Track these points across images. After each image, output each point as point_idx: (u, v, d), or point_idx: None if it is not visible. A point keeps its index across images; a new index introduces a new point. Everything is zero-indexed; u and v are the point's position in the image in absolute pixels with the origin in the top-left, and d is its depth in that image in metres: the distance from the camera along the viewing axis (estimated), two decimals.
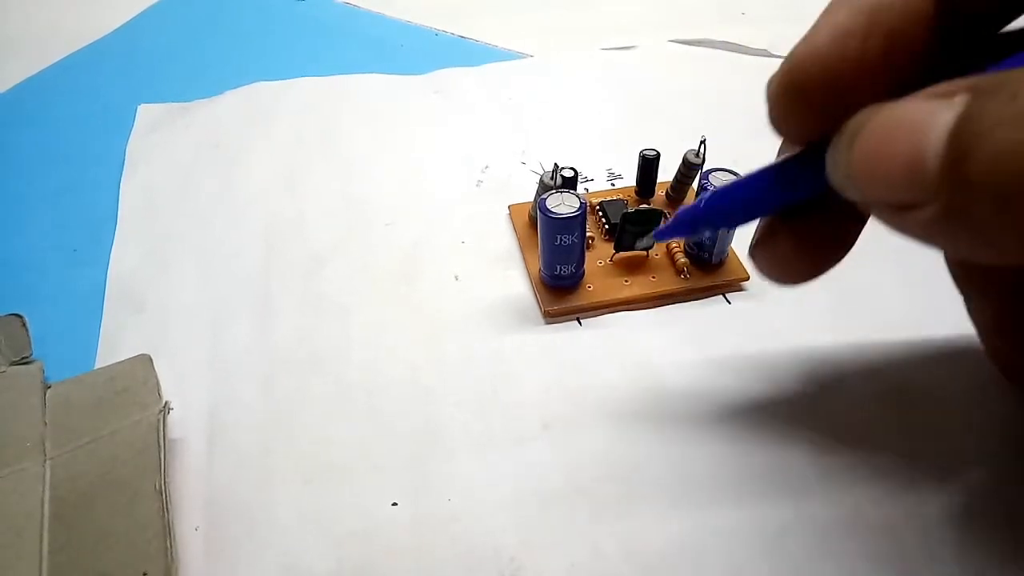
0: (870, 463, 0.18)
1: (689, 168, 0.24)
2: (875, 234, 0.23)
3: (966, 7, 0.13)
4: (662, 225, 0.18)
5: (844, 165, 0.12)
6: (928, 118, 0.11)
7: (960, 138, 0.10)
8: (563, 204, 0.20)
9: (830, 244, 0.16)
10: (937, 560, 0.16)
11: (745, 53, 0.35)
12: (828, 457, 0.18)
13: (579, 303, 0.22)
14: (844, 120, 0.12)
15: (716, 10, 0.39)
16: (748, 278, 0.22)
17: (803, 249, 0.16)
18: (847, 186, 0.12)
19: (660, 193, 0.25)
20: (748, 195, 0.15)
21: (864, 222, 0.16)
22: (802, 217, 0.16)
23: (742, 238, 0.21)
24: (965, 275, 0.17)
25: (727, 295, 0.22)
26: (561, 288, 0.22)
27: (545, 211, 0.19)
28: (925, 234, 0.11)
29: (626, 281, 0.22)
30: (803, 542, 0.16)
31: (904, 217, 0.11)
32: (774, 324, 0.21)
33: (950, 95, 0.11)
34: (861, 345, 0.20)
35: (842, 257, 0.16)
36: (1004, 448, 0.18)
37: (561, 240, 0.20)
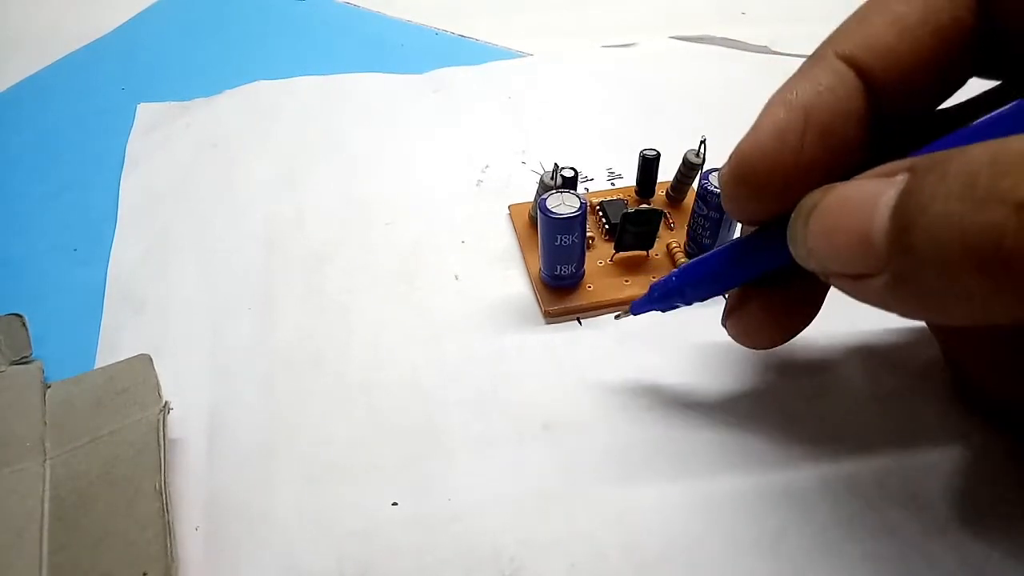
0: (869, 464, 0.18)
1: (689, 168, 0.24)
2: None
3: (894, 105, 0.14)
4: (638, 298, 0.19)
5: (802, 241, 0.14)
6: (874, 197, 0.12)
7: (902, 213, 0.11)
8: (563, 204, 0.20)
9: (797, 309, 0.17)
10: (936, 560, 0.16)
11: (746, 50, 0.35)
12: (828, 458, 0.18)
13: (579, 303, 0.22)
14: (789, 203, 0.14)
15: (716, 10, 0.39)
16: None
17: (772, 315, 0.17)
18: (806, 259, 0.14)
19: (660, 193, 0.25)
20: (714, 269, 0.17)
21: (826, 290, 0.17)
22: (769, 286, 0.17)
23: None
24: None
25: (726, 295, 0.22)
26: (561, 288, 0.22)
27: (545, 211, 0.19)
28: (880, 301, 0.13)
29: (626, 281, 0.22)
30: (803, 543, 0.16)
31: (859, 286, 0.13)
32: None
33: (892, 174, 0.12)
34: (861, 347, 0.20)
35: (809, 322, 0.17)
36: (999, 461, 0.18)
37: (561, 240, 0.20)
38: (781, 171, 0.14)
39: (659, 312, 0.19)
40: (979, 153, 0.11)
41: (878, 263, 0.12)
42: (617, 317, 0.20)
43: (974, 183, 0.10)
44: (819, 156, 0.14)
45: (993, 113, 0.13)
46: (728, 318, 0.18)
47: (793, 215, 0.14)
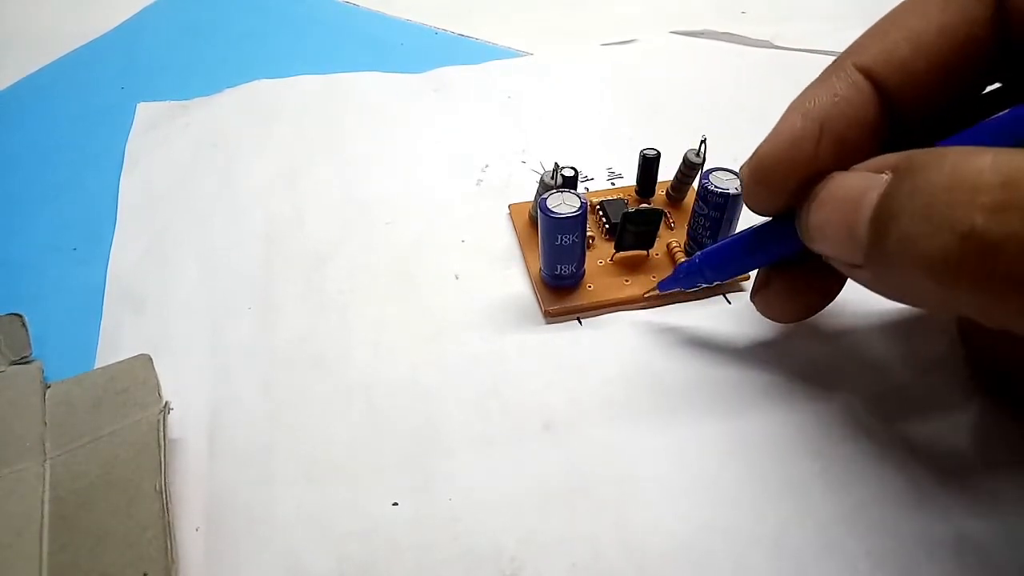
0: (870, 461, 0.18)
1: (690, 168, 0.24)
2: None
3: (909, 115, 0.15)
4: (665, 277, 0.21)
5: (804, 229, 0.15)
6: (861, 194, 0.13)
7: (879, 217, 0.13)
8: (563, 204, 0.20)
9: (817, 288, 0.19)
10: (936, 559, 0.16)
11: (747, 44, 0.35)
12: (828, 456, 0.18)
13: (579, 303, 0.22)
14: (803, 199, 0.15)
15: (716, 10, 0.39)
16: (748, 278, 0.22)
17: (794, 294, 0.19)
18: (808, 242, 0.15)
19: (660, 193, 0.25)
20: (732, 254, 0.19)
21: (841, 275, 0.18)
22: (789, 268, 0.18)
23: None
24: None
25: (727, 295, 0.22)
26: (561, 288, 0.22)
27: (546, 211, 0.19)
28: (871, 288, 0.14)
29: (626, 281, 0.22)
30: (804, 541, 0.16)
31: (853, 272, 0.14)
32: (773, 324, 0.21)
33: (880, 170, 0.13)
34: (861, 345, 0.20)
35: (831, 299, 0.19)
36: (1003, 449, 0.18)
37: (562, 240, 0.20)
38: (795, 175, 0.16)
39: (682, 289, 0.21)
40: (942, 176, 0.12)
41: (861, 257, 0.14)
42: (646, 296, 0.22)
43: (932, 205, 0.12)
44: (832, 162, 0.15)
45: (991, 118, 0.13)
46: (755, 296, 0.20)
47: (804, 206, 0.15)
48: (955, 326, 0.20)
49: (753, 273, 0.22)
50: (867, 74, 0.15)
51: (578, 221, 0.20)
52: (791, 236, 0.16)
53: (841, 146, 0.15)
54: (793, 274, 0.18)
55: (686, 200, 0.25)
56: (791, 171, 0.16)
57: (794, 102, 0.16)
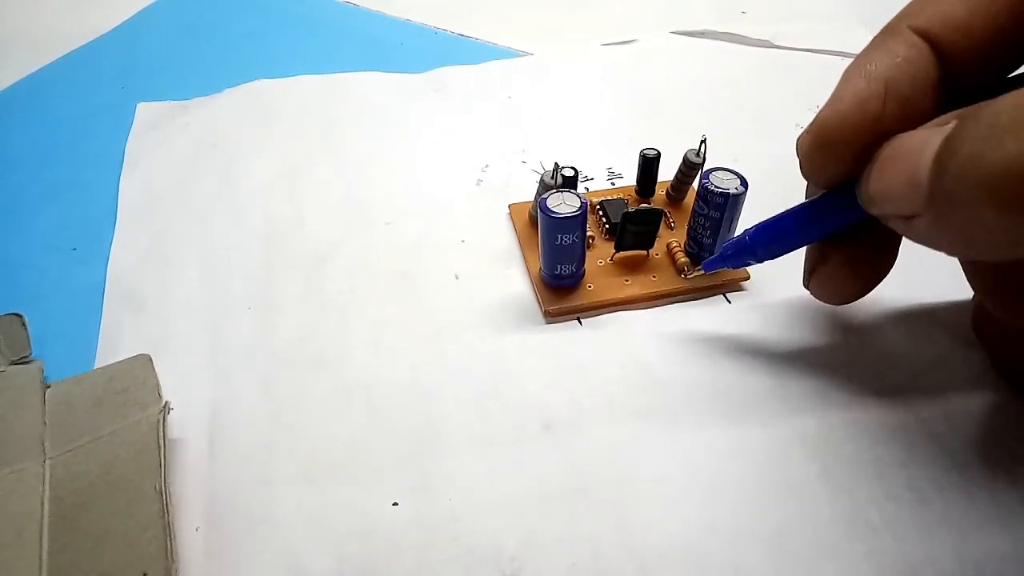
0: (871, 461, 0.18)
1: (689, 168, 0.24)
2: None
3: (968, 75, 0.15)
4: (710, 257, 0.20)
5: (865, 187, 0.15)
6: (923, 144, 0.13)
7: (942, 156, 0.12)
8: (564, 204, 0.20)
9: (876, 260, 0.18)
10: (937, 559, 0.16)
11: (748, 44, 0.35)
12: (829, 456, 0.18)
13: (580, 303, 0.22)
14: (864, 166, 0.15)
15: (716, 10, 0.39)
16: (748, 278, 0.22)
17: (853, 267, 0.18)
18: (870, 204, 0.15)
19: (660, 192, 0.25)
20: (787, 230, 0.18)
21: (899, 241, 0.18)
22: (846, 242, 0.18)
23: None
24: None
25: (727, 295, 0.22)
26: (562, 288, 0.22)
27: (546, 210, 0.19)
28: (925, 240, 0.14)
29: (627, 281, 0.22)
30: (804, 541, 0.16)
31: (909, 226, 0.14)
32: (774, 323, 0.21)
33: (944, 123, 0.13)
34: (861, 344, 0.20)
35: (887, 271, 0.18)
36: (1005, 448, 0.18)
37: (562, 240, 0.20)
38: (861, 138, 0.15)
39: (729, 268, 0.20)
40: (1006, 102, 0.11)
41: (921, 204, 0.13)
42: (688, 276, 0.22)
43: (995, 123, 0.11)
44: (897, 124, 0.15)
45: None
46: (811, 278, 0.19)
47: (866, 169, 0.15)
48: (970, 317, 0.20)
49: (756, 272, 0.22)
50: (924, 36, 0.15)
51: (578, 221, 0.20)
52: (850, 205, 0.16)
53: (905, 107, 0.15)
54: (849, 248, 0.18)
55: (686, 200, 0.25)
56: (857, 134, 0.15)
57: (850, 68, 0.16)
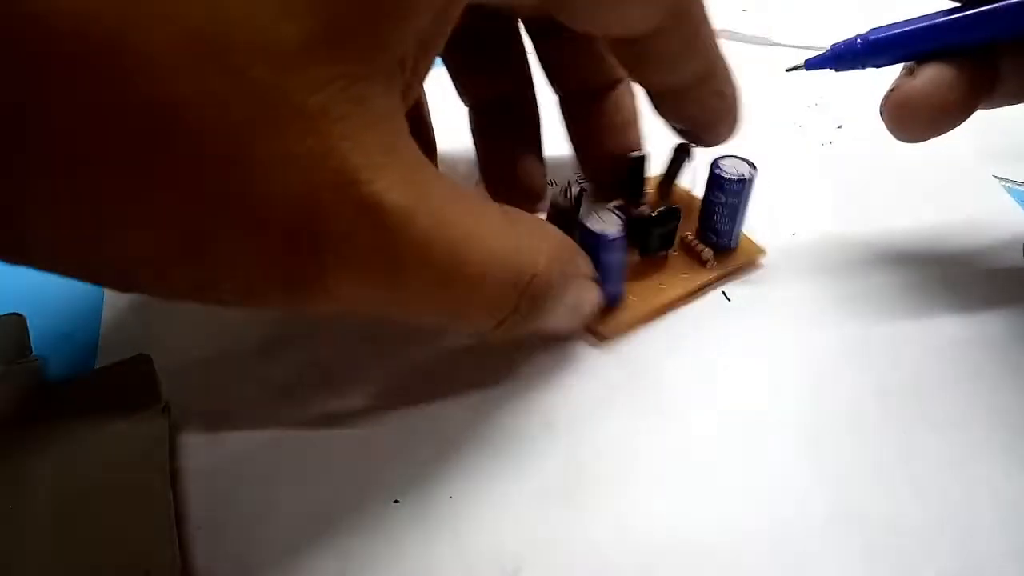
0: (870, 460, 0.18)
1: (681, 151, 0.23)
2: (879, 237, 0.23)
3: None
4: (814, 56, 0.19)
5: None
6: None
7: None
8: (602, 221, 0.19)
9: (981, 72, 0.17)
10: (937, 558, 0.16)
11: (745, 41, 0.35)
12: (828, 454, 0.18)
13: (632, 316, 0.21)
14: None
15: (716, 7, 0.39)
16: (764, 253, 0.23)
17: (940, 93, 0.17)
18: None
19: (649, 191, 0.24)
20: (910, 36, 0.17)
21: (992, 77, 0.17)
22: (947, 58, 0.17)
23: (749, 225, 0.21)
24: None
25: (726, 293, 0.22)
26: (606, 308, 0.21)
27: (602, 234, 0.19)
28: None
29: (661, 285, 0.22)
30: (803, 540, 0.16)
31: None
32: (774, 321, 0.21)
33: None
34: (862, 342, 0.20)
35: (967, 116, 0.17)
36: (1007, 446, 0.18)
37: (612, 261, 0.19)
38: None
39: (832, 71, 0.19)
40: None
41: None
42: (789, 70, 0.21)
43: None
44: None
45: None
46: (890, 94, 0.18)
47: None
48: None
49: (758, 269, 0.22)
50: None
51: (624, 239, 0.19)
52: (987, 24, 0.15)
53: None
54: (954, 59, 0.17)
55: (676, 192, 0.24)
56: None
57: None
